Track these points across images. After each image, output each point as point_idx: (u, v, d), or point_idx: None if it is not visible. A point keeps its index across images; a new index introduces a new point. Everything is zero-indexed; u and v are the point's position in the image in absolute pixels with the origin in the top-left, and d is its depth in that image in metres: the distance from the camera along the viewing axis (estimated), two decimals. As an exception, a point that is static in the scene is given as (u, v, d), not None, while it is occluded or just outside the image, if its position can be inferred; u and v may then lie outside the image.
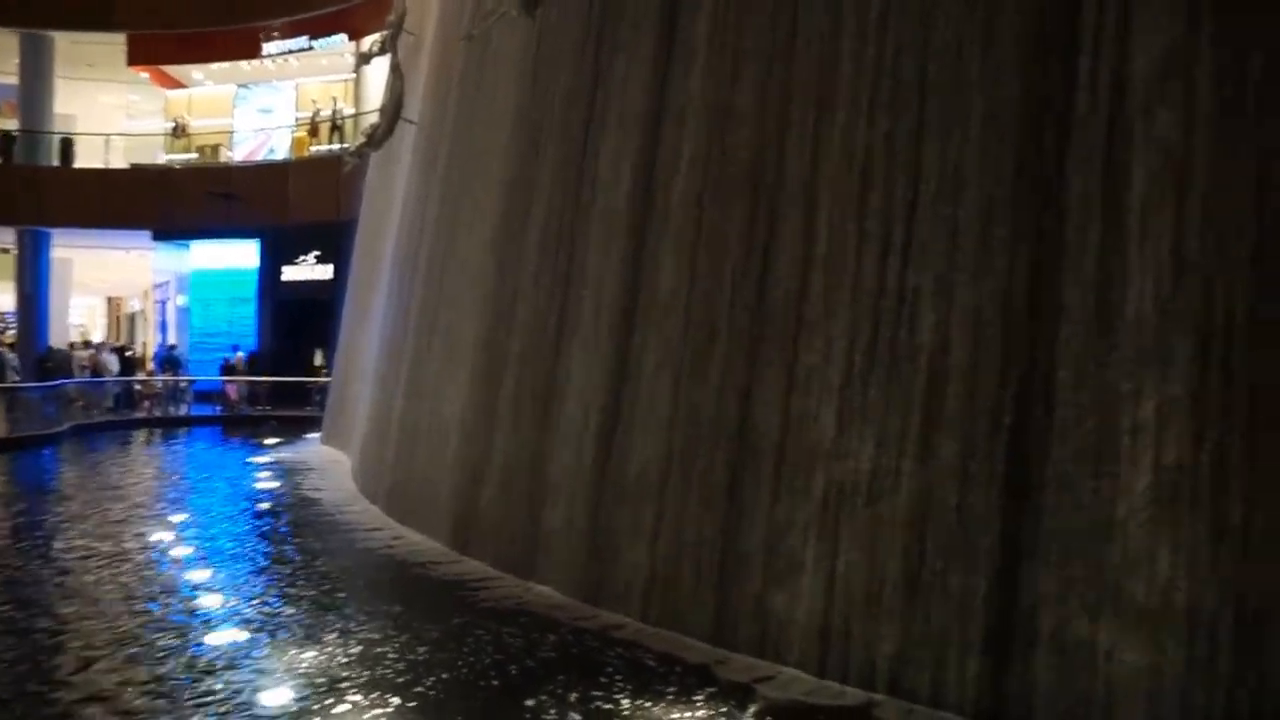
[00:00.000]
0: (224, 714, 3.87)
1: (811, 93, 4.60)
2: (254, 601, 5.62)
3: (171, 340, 23.45)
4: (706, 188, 5.10)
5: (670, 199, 5.33)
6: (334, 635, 4.89)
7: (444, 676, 4.29)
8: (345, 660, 4.49)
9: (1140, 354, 3.41)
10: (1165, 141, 3.43)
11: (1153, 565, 3.36)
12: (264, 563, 6.87)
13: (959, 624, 3.81)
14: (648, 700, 4.03)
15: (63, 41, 22.41)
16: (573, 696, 4.05)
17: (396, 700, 3.99)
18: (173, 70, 24.46)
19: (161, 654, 4.61)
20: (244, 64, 23.53)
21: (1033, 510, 3.69)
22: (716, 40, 5.17)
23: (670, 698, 4.06)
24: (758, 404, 4.66)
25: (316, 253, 21.28)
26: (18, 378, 17.05)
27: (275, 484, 10.49)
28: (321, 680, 4.22)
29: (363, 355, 12.04)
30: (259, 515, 8.88)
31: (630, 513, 5.24)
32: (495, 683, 4.26)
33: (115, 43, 22.72)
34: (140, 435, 16.94)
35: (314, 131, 22.75)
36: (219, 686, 4.16)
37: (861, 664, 4.07)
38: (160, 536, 7.43)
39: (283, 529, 8.20)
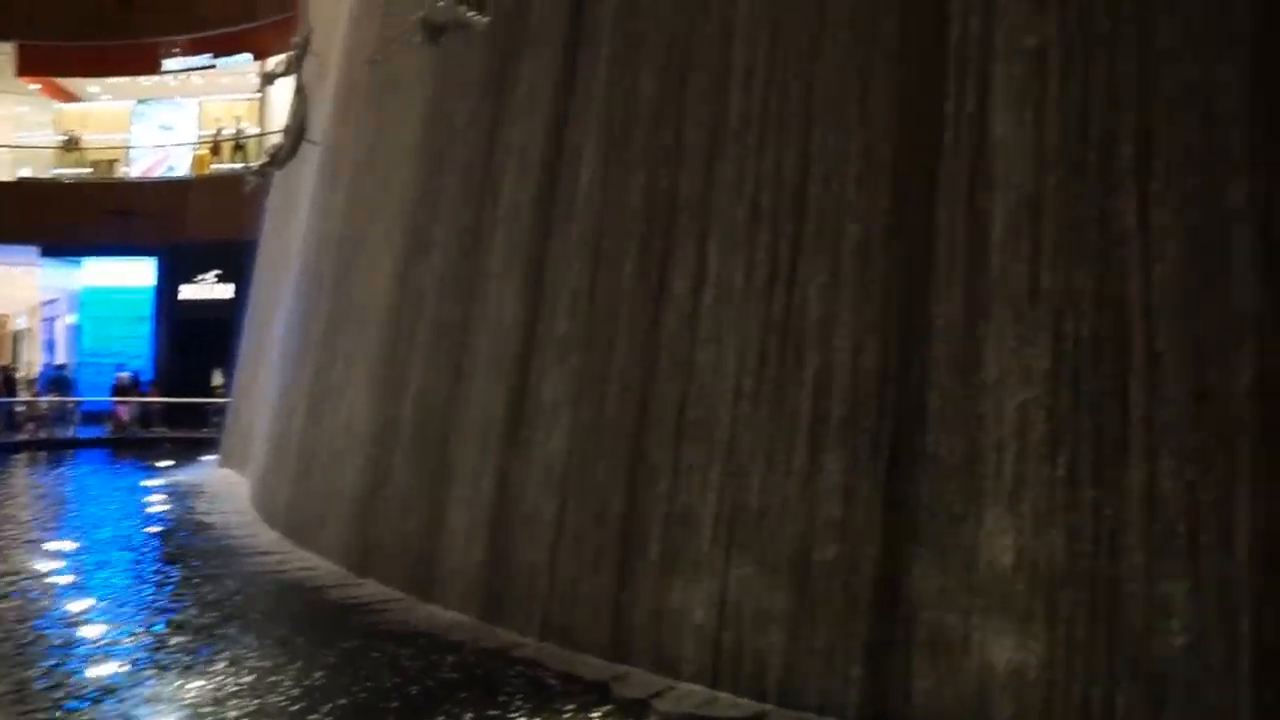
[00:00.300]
0: (102, 749, 3.64)
1: (704, 127, 4.71)
2: (139, 630, 5.31)
3: (61, 360, 22.11)
4: (605, 211, 5.14)
5: (572, 218, 5.36)
6: (224, 664, 4.66)
7: (340, 702, 4.14)
8: (235, 689, 4.27)
9: (1002, 376, 3.60)
10: (1020, 184, 3.65)
11: (1017, 571, 3.52)
12: (151, 590, 6.52)
13: (844, 633, 3.91)
14: (545, 718, 3.98)
15: (-58, 50, 21.09)
16: (468, 716, 3.97)
17: (289, 728, 3.83)
18: (67, 83, 23.24)
19: (36, 686, 4.30)
20: (143, 79, 22.56)
21: (909, 523, 3.82)
22: (614, 75, 5.23)
23: (568, 715, 4.02)
24: (653, 419, 4.70)
25: (217, 271, 20.48)
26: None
27: (167, 508, 9.98)
28: (209, 710, 4.01)
29: (263, 375, 11.62)
30: (148, 540, 8.43)
31: (530, 532, 5.19)
32: (394, 704, 4.13)
33: (2, 53, 21.46)
34: (22, 459, 15.90)
35: (216, 150, 21.98)
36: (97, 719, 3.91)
37: (753, 676, 4.12)
38: (39, 564, 6.96)
39: (173, 554, 7.79)
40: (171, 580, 6.83)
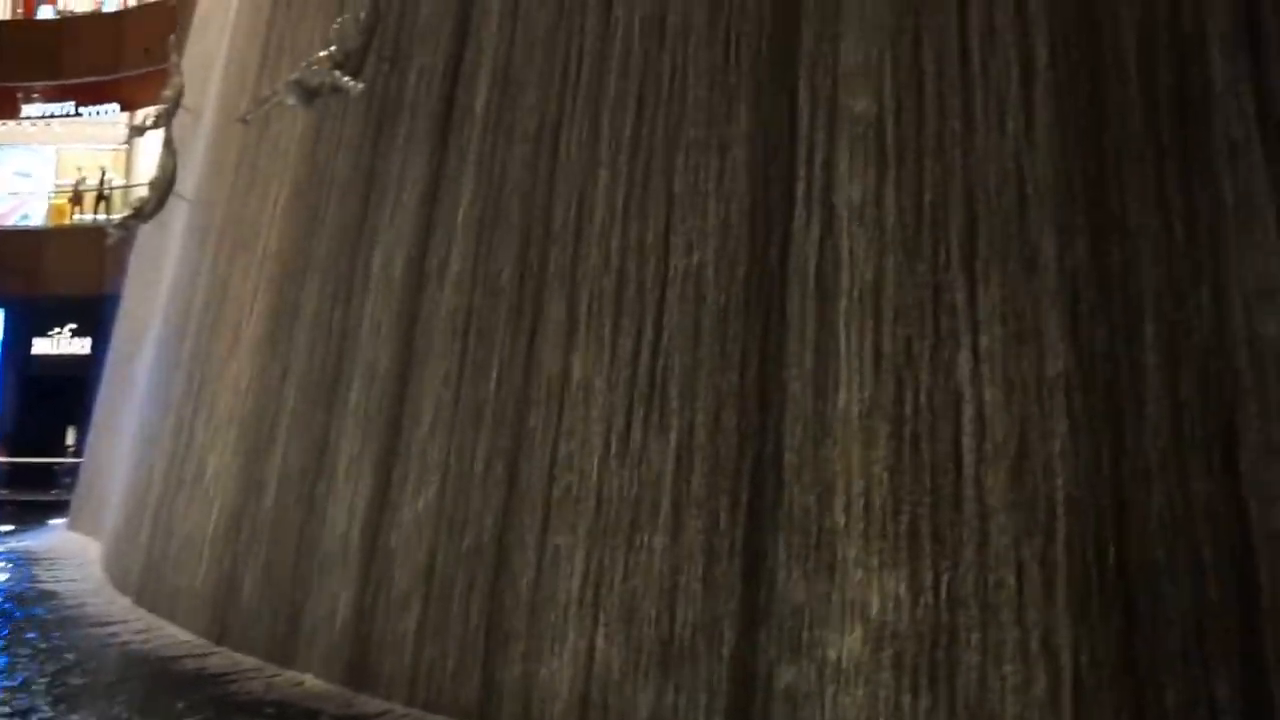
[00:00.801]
0: None
1: (573, 197, 4.73)
2: (-40, 717, 4.69)
3: (-111, 416, 19.81)
4: (477, 282, 5.07)
5: (444, 279, 5.25)
6: (56, 750, 4.17)
7: (185, 786, 3.76)
8: (67, 778, 3.82)
9: (849, 437, 3.72)
10: (862, 261, 3.83)
11: (865, 621, 3.60)
12: (-21, 670, 5.80)
13: (706, 688, 3.87)
14: (408, 790, 3.74)
15: None
16: (327, 795, 3.68)
17: (126, 819, 3.44)
18: (-93, 124, 21.32)
19: None
20: (-2, 124, 20.95)
21: (767, 579, 3.85)
22: (486, 148, 5.22)
23: (432, 785, 3.79)
24: (522, 481, 4.60)
25: (73, 325, 18.97)
26: None
27: (5, 576, 8.99)
28: (35, 805, 3.56)
29: (120, 434, 10.76)
30: (-20, 614, 7.54)
31: (396, 595, 4.94)
32: (244, 786, 3.79)
33: None
34: None
35: (78, 200, 20.55)
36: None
37: (619, 733, 4.01)
38: None
39: (8, 628, 6.99)
40: (5, 657, 6.10)
